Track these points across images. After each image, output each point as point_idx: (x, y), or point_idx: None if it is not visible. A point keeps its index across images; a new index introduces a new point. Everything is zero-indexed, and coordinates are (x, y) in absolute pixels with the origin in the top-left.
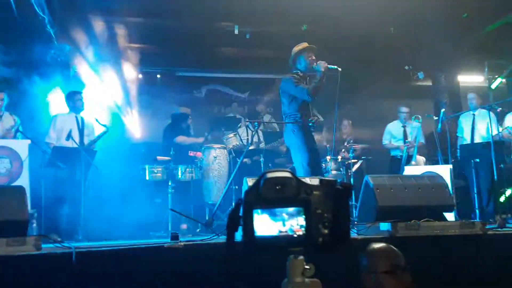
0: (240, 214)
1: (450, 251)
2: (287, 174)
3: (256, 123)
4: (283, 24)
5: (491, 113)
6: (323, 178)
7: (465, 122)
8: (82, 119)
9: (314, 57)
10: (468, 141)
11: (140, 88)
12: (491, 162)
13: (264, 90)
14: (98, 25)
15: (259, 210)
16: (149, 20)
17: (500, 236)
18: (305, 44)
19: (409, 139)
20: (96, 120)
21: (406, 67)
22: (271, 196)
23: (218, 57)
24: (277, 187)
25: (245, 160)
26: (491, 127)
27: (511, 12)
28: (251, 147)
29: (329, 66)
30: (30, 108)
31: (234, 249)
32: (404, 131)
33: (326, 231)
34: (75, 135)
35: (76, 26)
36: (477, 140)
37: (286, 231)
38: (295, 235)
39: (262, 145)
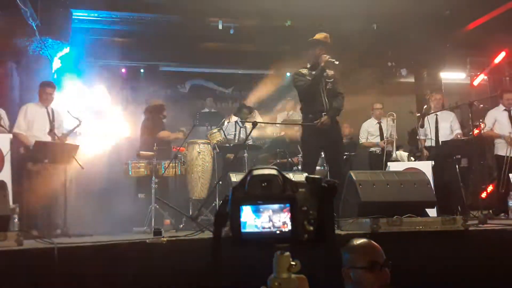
0: (227, 210)
1: (432, 247)
2: (273, 172)
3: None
4: (266, 19)
5: (452, 113)
6: (309, 175)
7: (429, 122)
8: (52, 110)
9: (322, 52)
10: (433, 139)
11: (123, 83)
12: (472, 158)
13: (248, 85)
14: (81, 19)
15: (245, 206)
16: (133, 14)
17: (481, 232)
18: (321, 35)
19: (386, 135)
20: (69, 112)
21: (389, 64)
22: (257, 192)
23: (202, 52)
24: (263, 184)
25: (228, 155)
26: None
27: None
28: (234, 143)
29: (329, 59)
30: (12, 101)
31: (220, 245)
32: (380, 127)
33: (311, 228)
34: (46, 127)
35: (58, 20)
36: (442, 139)
37: (272, 227)
38: (281, 232)
39: (250, 141)
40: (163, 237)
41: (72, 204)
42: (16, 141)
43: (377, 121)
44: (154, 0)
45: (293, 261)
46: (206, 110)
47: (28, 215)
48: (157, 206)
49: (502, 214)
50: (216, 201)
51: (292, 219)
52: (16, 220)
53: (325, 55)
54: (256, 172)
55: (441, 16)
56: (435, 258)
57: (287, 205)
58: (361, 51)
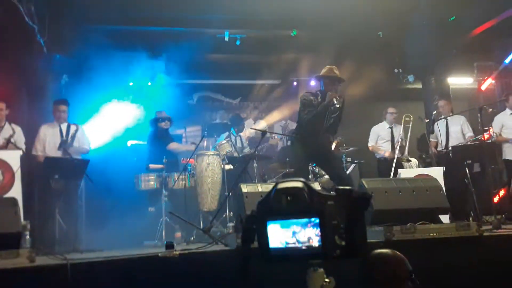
0: (254, 225)
1: (447, 254)
2: (299, 184)
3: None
4: (272, 29)
5: (462, 116)
6: (339, 187)
7: (439, 128)
8: (68, 127)
9: (329, 87)
10: (443, 145)
11: (131, 96)
12: (484, 163)
13: (255, 95)
14: (88, 34)
15: (272, 222)
16: (139, 27)
17: (496, 237)
18: (332, 72)
19: (396, 141)
20: None
21: (396, 71)
22: (282, 207)
23: (209, 63)
24: (288, 198)
25: (229, 166)
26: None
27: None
28: (235, 153)
29: (335, 102)
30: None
31: (249, 261)
32: (391, 132)
33: (343, 242)
34: (57, 144)
35: (66, 35)
36: (452, 142)
37: (296, 243)
38: (308, 247)
39: (246, 150)
40: (175, 250)
41: (82, 219)
42: (34, 160)
43: (389, 126)
44: (160, 13)
45: (327, 278)
46: (218, 121)
47: (40, 232)
48: (168, 219)
49: None
50: (226, 212)
51: (322, 234)
52: (27, 237)
53: (331, 94)
54: (280, 186)
55: (447, 22)
56: (451, 264)
57: (316, 219)
58: (367, 58)
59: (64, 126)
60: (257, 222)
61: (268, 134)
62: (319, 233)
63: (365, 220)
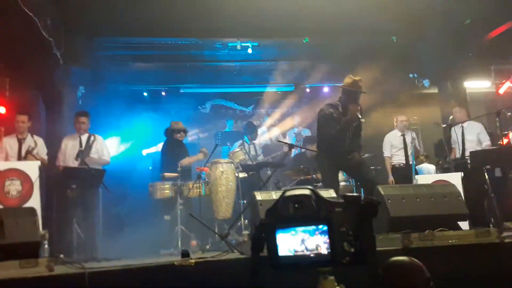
0: (263, 234)
1: (466, 261)
2: (306, 192)
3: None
4: (284, 37)
5: (479, 124)
6: (347, 194)
7: (456, 134)
8: (89, 138)
9: (351, 100)
10: (461, 152)
11: (146, 106)
12: (504, 168)
13: (268, 103)
14: (103, 46)
15: (280, 229)
16: (154, 38)
17: None
18: (356, 84)
19: (409, 148)
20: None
21: (411, 75)
22: (290, 214)
23: (221, 72)
24: (296, 205)
25: (243, 175)
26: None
27: None
28: (249, 161)
29: (359, 117)
30: (41, 130)
31: (259, 270)
32: (404, 140)
33: (352, 249)
34: (74, 155)
35: (81, 48)
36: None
37: (305, 251)
38: (317, 254)
39: (260, 157)
40: (191, 258)
41: (99, 228)
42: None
43: (400, 133)
44: (172, 24)
45: (337, 285)
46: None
47: (58, 241)
48: (183, 228)
49: None
50: (241, 220)
51: (331, 241)
52: (46, 246)
53: (353, 108)
54: (287, 193)
55: (462, 25)
56: (470, 272)
57: (324, 226)
58: (381, 63)
59: (84, 137)
60: (266, 231)
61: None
62: (328, 240)
63: (374, 227)
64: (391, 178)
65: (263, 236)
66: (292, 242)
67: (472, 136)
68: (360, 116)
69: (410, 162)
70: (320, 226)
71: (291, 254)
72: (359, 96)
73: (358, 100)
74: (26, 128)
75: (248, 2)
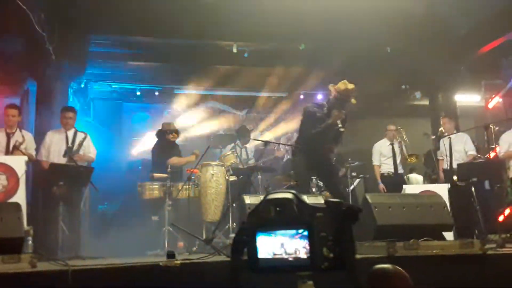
0: (244, 237)
1: (449, 271)
2: (288, 195)
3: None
4: (281, 43)
5: (465, 134)
6: (329, 199)
7: (444, 145)
8: (75, 134)
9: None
10: (448, 163)
11: (139, 105)
12: (490, 181)
13: (262, 108)
14: (97, 43)
15: (261, 232)
16: (148, 38)
17: (500, 256)
18: (348, 92)
19: (398, 157)
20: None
21: (403, 87)
22: (272, 217)
23: (217, 75)
24: (277, 209)
25: (233, 178)
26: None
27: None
28: (239, 165)
29: (339, 124)
30: (30, 124)
31: (238, 273)
32: (392, 149)
33: (331, 254)
34: (62, 151)
35: (75, 44)
36: (455, 163)
37: (283, 254)
38: (296, 258)
39: (251, 161)
40: (176, 260)
41: (86, 226)
42: (38, 166)
43: (389, 143)
44: (169, 24)
45: None
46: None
47: (42, 237)
48: (171, 229)
49: None
50: (229, 223)
51: (311, 245)
52: (30, 242)
53: (336, 114)
54: (269, 197)
55: (455, 39)
56: (453, 282)
57: (305, 231)
58: (375, 73)
59: (70, 133)
60: (247, 233)
61: (271, 145)
62: (307, 245)
63: (359, 234)
64: (381, 186)
65: (244, 239)
66: (272, 245)
67: (459, 147)
68: (340, 125)
69: (399, 171)
70: (301, 231)
71: (269, 257)
72: (346, 104)
73: (344, 107)
74: (15, 122)
75: (247, 7)
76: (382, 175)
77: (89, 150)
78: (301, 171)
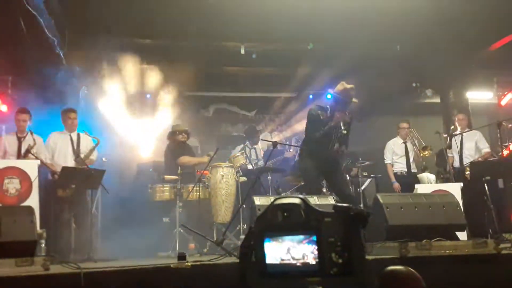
0: (252, 242)
1: (463, 272)
2: (295, 201)
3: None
4: (289, 43)
5: (477, 132)
6: (337, 204)
7: (456, 143)
8: (79, 136)
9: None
10: (458, 160)
11: (148, 108)
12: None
13: (271, 108)
14: (107, 46)
15: (268, 237)
16: (157, 41)
17: None
18: (347, 93)
19: (411, 155)
20: (84, 130)
21: (414, 85)
22: (279, 223)
23: (225, 76)
24: (285, 214)
25: (244, 179)
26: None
27: None
28: (249, 166)
29: (342, 127)
30: (43, 129)
31: (247, 279)
32: (405, 147)
33: (340, 260)
34: (69, 154)
35: (85, 48)
36: (465, 160)
37: (291, 260)
38: (306, 264)
39: (261, 162)
40: (187, 261)
41: (97, 229)
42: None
43: (402, 141)
44: (178, 27)
45: None
46: (236, 134)
47: (55, 240)
48: (182, 230)
49: None
50: (240, 225)
51: (319, 251)
52: (43, 245)
53: (338, 116)
54: (277, 202)
55: (466, 36)
56: (467, 283)
57: (313, 236)
58: (385, 72)
59: (74, 135)
60: (255, 238)
61: (279, 146)
62: (315, 250)
63: (371, 235)
64: (396, 184)
65: (252, 244)
66: (279, 250)
67: (471, 143)
68: (343, 127)
69: (412, 170)
70: (308, 236)
71: (279, 263)
72: (347, 105)
73: (346, 108)
74: (26, 126)
75: (254, 7)
76: (395, 174)
77: (94, 153)
78: (309, 173)
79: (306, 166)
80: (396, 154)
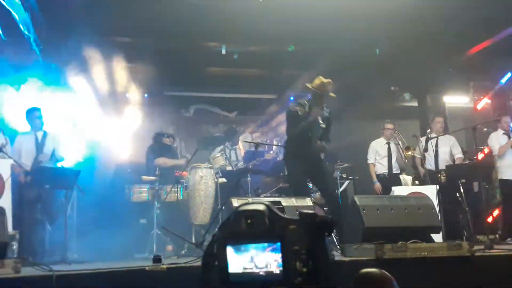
0: (215, 250)
1: (438, 273)
2: (259, 207)
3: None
4: (270, 44)
5: (452, 137)
6: (302, 211)
7: (432, 146)
8: (44, 135)
9: (316, 102)
10: (433, 164)
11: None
12: (478, 183)
13: (252, 109)
14: (85, 44)
15: (231, 245)
16: (137, 39)
17: (488, 258)
18: (323, 87)
19: (394, 156)
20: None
21: (392, 88)
22: (242, 230)
23: (206, 76)
24: (248, 221)
25: (223, 180)
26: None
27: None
28: (228, 168)
29: (320, 121)
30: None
31: (210, 286)
32: (389, 148)
33: (304, 269)
34: (31, 153)
35: (62, 45)
36: (440, 163)
37: (254, 268)
38: (270, 273)
39: (241, 163)
40: (162, 264)
41: (72, 230)
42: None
43: (386, 141)
44: (158, 26)
45: None
46: (218, 135)
47: (28, 242)
48: (159, 232)
49: (509, 238)
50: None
51: (283, 259)
52: (15, 247)
53: (315, 111)
54: (240, 208)
55: (443, 41)
56: (441, 284)
57: (277, 244)
58: (364, 75)
59: (39, 134)
60: (217, 246)
61: (261, 147)
62: (279, 259)
63: (327, 245)
64: (378, 184)
65: (214, 252)
66: (242, 258)
67: (446, 148)
68: (321, 121)
69: (394, 171)
70: (272, 244)
71: (241, 272)
72: (323, 99)
73: (322, 103)
74: None
75: (235, 9)
76: (377, 176)
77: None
78: (295, 174)
79: (291, 166)
80: (379, 155)
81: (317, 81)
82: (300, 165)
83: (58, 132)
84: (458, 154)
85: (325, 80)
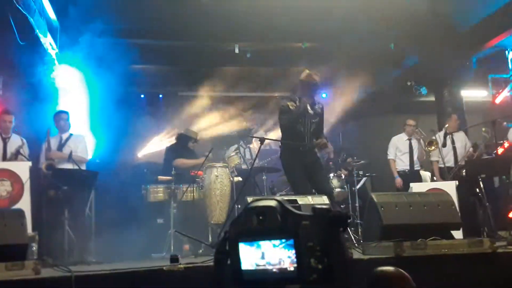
0: (227, 247)
1: (459, 271)
2: (271, 203)
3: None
4: (283, 42)
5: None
6: (315, 206)
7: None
8: (69, 137)
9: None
10: (452, 160)
11: (143, 109)
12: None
13: (266, 107)
14: (100, 47)
15: (243, 242)
16: (151, 41)
17: (510, 254)
18: (310, 77)
19: (415, 153)
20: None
21: (409, 83)
22: (254, 227)
23: (220, 76)
24: (260, 218)
25: (238, 179)
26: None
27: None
28: (244, 166)
29: (309, 109)
30: (33, 131)
31: (222, 285)
32: (410, 144)
33: (319, 266)
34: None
35: (78, 48)
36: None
37: (266, 265)
38: (284, 270)
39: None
40: (180, 264)
41: (92, 230)
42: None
43: (407, 138)
44: (172, 26)
45: None
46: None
47: (48, 243)
48: (176, 232)
49: None
50: None
51: (297, 256)
52: (34, 248)
53: (305, 101)
54: (251, 205)
55: (460, 34)
56: (462, 282)
57: (290, 240)
58: (379, 70)
59: (65, 136)
60: (229, 243)
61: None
62: (292, 255)
63: (343, 241)
64: (399, 179)
65: (226, 250)
66: (254, 255)
67: (461, 143)
68: (311, 111)
69: (415, 168)
70: (285, 240)
71: (255, 269)
72: (313, 90)
73: (313, 95)
74: (11, 127)
75: (247, 6)
76: (398, 173)
77: (82, 150)
78: (292, 170)
79: (289, 165)
80: (399, 151)
81: (303, 74)
82: (296, 161)
83: (84, 134)
84: (469, 147)
85: (310, 72)
